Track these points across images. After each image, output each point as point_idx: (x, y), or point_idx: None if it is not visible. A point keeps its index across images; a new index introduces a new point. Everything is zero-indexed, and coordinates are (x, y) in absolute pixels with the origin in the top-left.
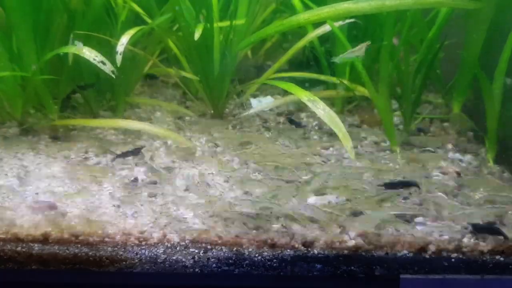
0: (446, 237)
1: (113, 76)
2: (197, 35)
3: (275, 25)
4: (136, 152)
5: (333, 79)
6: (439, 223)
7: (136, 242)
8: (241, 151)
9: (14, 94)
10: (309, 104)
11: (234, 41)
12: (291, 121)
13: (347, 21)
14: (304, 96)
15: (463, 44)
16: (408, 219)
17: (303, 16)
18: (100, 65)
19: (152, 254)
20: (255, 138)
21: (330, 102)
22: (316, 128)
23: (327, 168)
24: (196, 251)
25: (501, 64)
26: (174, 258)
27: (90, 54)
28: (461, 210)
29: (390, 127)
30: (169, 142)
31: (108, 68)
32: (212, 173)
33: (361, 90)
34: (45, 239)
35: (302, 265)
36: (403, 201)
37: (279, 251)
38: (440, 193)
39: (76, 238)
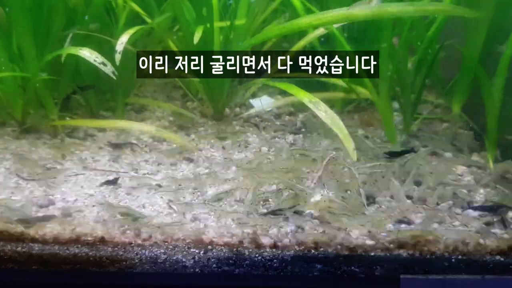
0: None
1: (114, 77)
2: (196, 39)
3: (276, 28)
4: None
5: (333, 80)
6: None
7: None
8: None
9: (15, 94)
10: (310, 106)
11: (234, 41)
12: None
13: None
14: (305, 97)
15: (463, 44)
16: None
17: (304, 20)
18: (101, 67)
19: None
20: None
21: (330, 103)
22: None
23: None
24: None
25: (502, 63)
26: None
27: (90, 55)
28: None
29: (391, 128)
30: None
31: (109, 69)
32: None
33: (361, 91)
34: None
35: None
36: None
37: None
38: None
39: None
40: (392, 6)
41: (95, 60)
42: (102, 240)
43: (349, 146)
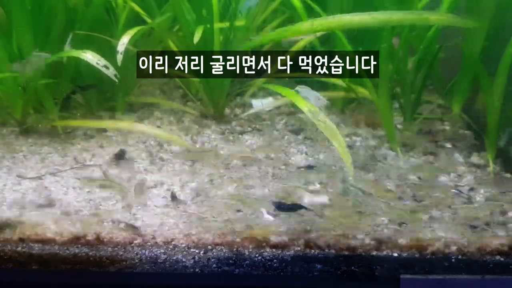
0: None
1: (116, 80)
2: (196, 39)
3: (277, 33)
4: None
5: (333, 80)
6: None
7: None
8: None
9: (15, 94)
10: (310, 116)
11: (234, 41)
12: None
13: None
14: (304, 107)
15: (464, 44)
16: None
17: (305, 26)
18: (103, 70)
19: None
20: None
21: (330, 102)
22: None
23: None
24: None
25: (503, 62)
26: None
27: (93, 58)
28: None
29: (391, 127)
30: None
31: (111, 72)
32: None
33: (361, 91)
34: None
35: None
36: None
37: None
38: None
39: None
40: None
41: (97, 63)
42: None
43: (347, 161)
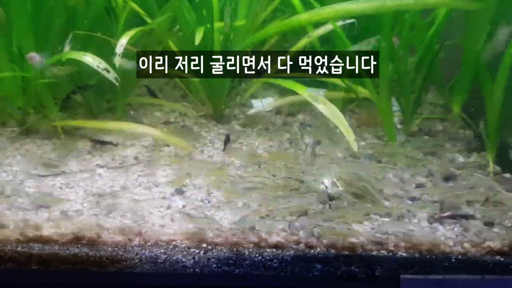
0: None
1: (116, 83)
2: (197, 40)
3: (275, 25)
4: None
5: (333, 80)
6: None
7: None
8: None
9: (15, 94)
10: (310, 100)
11: (234, 41)
12: None
13: (347, 21)
14: (304, 92)
15: (464, 44)
16: None
17: (304, 17)
18: (104, 73)
19: None
20: None
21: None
22: None
23: None
24: None
25: (504, 61)
26: None
27: (93, 61)
28: None
29: (391, 127)
30: None
31: (112, 76)
32: None
33: (361, 91)
34: None
35: None
36: None
37: None
38: None
39: None
40: None
41: (98, 66)
42: None
43: (350, 137)
